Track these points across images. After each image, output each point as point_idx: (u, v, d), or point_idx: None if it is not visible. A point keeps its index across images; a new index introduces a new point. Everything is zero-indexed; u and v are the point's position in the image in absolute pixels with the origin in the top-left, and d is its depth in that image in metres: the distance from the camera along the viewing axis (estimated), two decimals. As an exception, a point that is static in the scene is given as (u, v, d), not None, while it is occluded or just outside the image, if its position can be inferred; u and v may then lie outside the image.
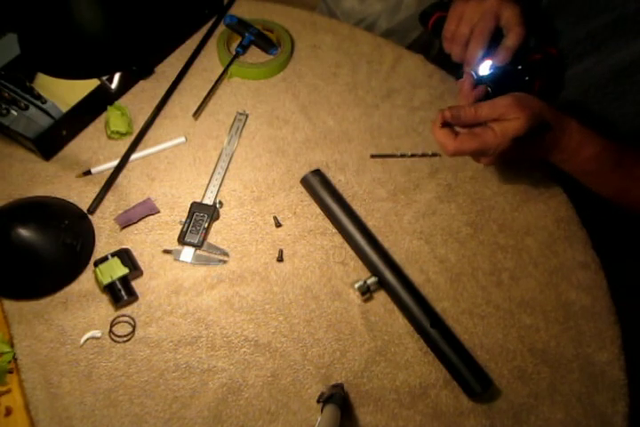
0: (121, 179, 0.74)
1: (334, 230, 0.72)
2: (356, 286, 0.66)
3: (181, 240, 0.69)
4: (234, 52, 0.83)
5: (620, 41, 0.69)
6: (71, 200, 0.72)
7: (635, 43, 0.68)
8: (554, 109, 0.63)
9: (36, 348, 0.63)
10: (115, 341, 0.64)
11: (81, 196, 0.72)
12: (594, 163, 0.65)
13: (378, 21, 1.21)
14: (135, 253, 0.69)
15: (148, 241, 0.70)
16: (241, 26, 0.85)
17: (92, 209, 0.71)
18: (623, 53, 0.70)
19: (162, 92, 0.80)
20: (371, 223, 0.73)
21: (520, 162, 0.77)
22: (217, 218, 0.72)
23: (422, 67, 0.87)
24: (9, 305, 0.65)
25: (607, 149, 0.65)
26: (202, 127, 0.79)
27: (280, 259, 0.70)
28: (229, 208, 0.73)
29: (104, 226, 0.71)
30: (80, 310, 0.66)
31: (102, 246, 0.69)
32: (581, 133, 0.64)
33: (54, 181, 0.73)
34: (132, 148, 0.75)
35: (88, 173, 0.73)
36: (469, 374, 0.62)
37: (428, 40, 1.17)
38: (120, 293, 0.64)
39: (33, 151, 0.73)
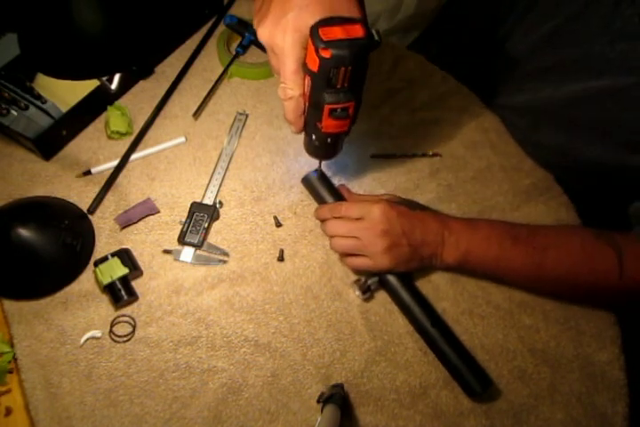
0: (121, 179, 0.74)
1: (334, 230, 0.72)
2: (357, 285, 0.67)
3: (181, 240, 0.69)
4: (234, 52, 0.83)
5: (581, 77, 0.69)
6: (71, 200, 0.72)
7: (590, 81, 0.67)
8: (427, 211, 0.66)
9: (36, 348, 0.63)
10: (115, 341, 0.64)
11: (81, 196, 0.72)
12: (491, 243, 0.63)
13: (378, 21, 1.21)
14: (135, 253, 0.69)
15: (148, 241, 0.70)
16: (241, 26, 0.85)
17: (92, 209, 0.71)
18: (570, 90, 0.70)
19: (162, 92, 0.80)
20: (371, 223, 0.73)
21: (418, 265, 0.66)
22: (217, 218, 0.72)
23: (422, 67, 0.87)
24: (9, 305, 0.65)
25: (495, 227, 0.64)
26: (202, 127, 0.79)
27: (281, 259, 0.70)
28: (229, 208, 0.73)
29: (104, 226, 0.71)
30: (80, 310, 0.66)
31: (102, 246, 0.69)
32: (460, 223, 0.64)
33: (54, 181, 0.73)
34: (132, 148, 0.75)
35: (88, 173, 0.73)
36: (469, 374, 0.62)
37: (428, 40, 1.16)
38: (120, 293, 0.64)
39: (33, 151, 0.73)
